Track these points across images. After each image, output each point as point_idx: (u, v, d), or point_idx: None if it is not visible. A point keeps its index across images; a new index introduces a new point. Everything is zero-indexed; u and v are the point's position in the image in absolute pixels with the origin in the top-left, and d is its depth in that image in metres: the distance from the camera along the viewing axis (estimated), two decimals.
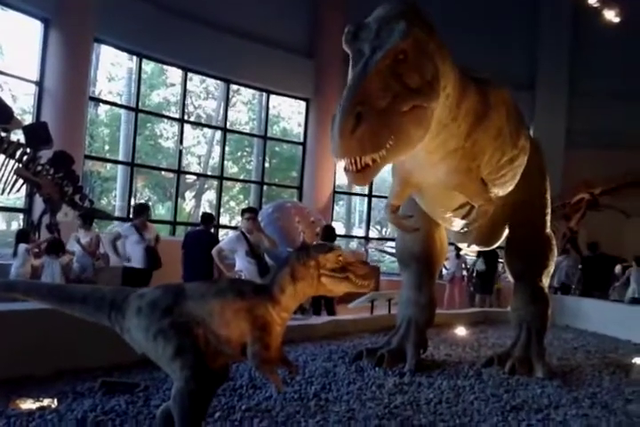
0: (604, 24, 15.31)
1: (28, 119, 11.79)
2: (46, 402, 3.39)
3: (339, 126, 2.55)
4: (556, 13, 17.66)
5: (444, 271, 11.69)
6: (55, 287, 3.49)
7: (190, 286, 3.09)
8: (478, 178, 3.92)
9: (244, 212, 7.10)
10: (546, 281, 5.27)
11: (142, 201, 15.46)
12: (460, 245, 6.18)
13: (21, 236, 7.94)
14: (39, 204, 9.72)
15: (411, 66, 2.80)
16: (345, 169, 2.71)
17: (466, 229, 4.76)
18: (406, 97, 2.75)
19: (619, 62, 16.61)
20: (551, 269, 5.33)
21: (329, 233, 8.04)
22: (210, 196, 18.95)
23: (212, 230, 8.86)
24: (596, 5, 15.22)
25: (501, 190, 4.34)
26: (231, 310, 2.88)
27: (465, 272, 12.02)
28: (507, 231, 5.22)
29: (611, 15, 15.36)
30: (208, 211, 17.90)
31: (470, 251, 8.68)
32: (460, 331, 6.71)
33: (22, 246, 7.70)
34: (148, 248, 7.61)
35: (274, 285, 2.94)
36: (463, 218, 4.32)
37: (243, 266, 6.61)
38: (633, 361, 5.43)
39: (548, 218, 5.37)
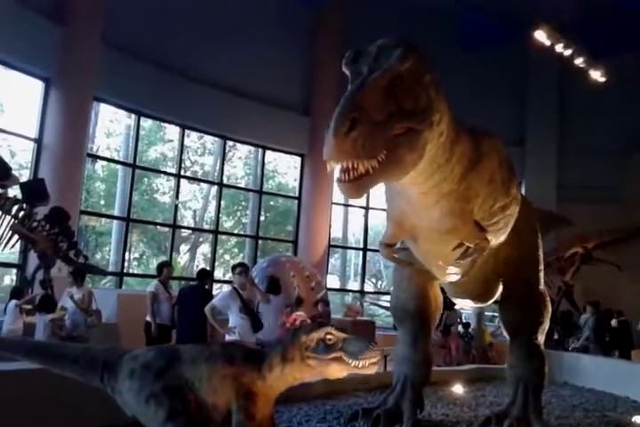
0: (591, 84, 15.85)
1: (25, 174, 11.92)
2: None
3: (333, 128, 2.58)
4: (545, 72, 18.24)
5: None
6: (43, 346, 3.46)
7: (184, 348, 3.07)
8: (471, 221, 3.95)
9: (234, 267, 7.12)
10: (541, 337, 5.24)
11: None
12: (455, 301, 6.17)
13: (15, 293, 7.91)
14: (33, 259, 9.71)
15: (406, 90, 2.89)
16: (338, 180, 2.71)
17: (460, 279, 4.73)
18: (401, 117, 2.81)
19: (606, 120, 17.07)
20: (546, 325, 5.31)
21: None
22: (204, 249, 18.93)
23: (207, 286, 8.84)
24: (582, 66, 15.79)
25: (494, 238, 4.35)
26: (218, 377, 2.85)
27: (461, 327, 11.91)
28: (501, 287, 5.23)
29: (597, 75, 15.93)
30: (202, 264, 17.88)
31: (465, 305, 8.67)
32: (457, 389, 6.62)
33: (12, 302, 7.65)
34: (174, 306, 7.73)
35: (265, 361, 2.89)
36: (459, 259, 4.26)
37: (236, 322, 6.56)
38: (632, 420, 5.35)
39: (542, 274, 5.40)
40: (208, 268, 14.21)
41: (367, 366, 2.69)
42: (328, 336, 2.75)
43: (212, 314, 6.65)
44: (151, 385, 2.89)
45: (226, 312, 6.78)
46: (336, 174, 2.73)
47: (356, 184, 2.70)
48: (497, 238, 4.38)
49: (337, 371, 2.77)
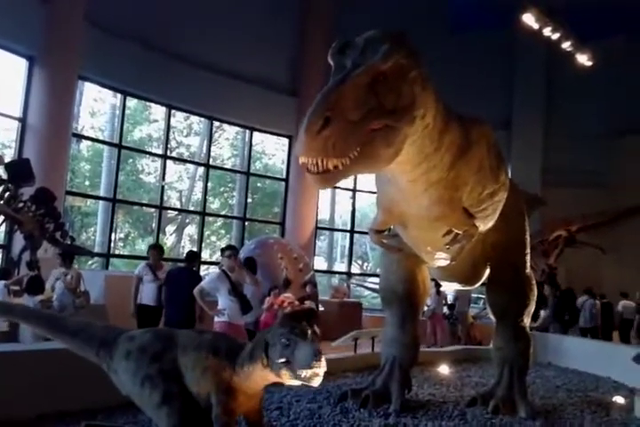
0: (578, 67, 15.90)
1: (8, 154, 11.77)
2: None
3: (305, 125, 2.59)
4: (532, 56, 18.28)
5: (425, 308, 11.72)
6: (52, 317, 3.48)
7: (181, 333, 3.09)
8: (460, 208, 3.99)
9: (224, 250, 7.09)
10: (527, 320, 5.34)
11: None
12: (442, 284, 6.24)
13: (2, 274, 7.86)
14: (19, 240, 9.65)
15: (389, 87, 2.88)
16: (307, 170, 2.73)
17: (448, 264, 4.80)
18: (379, 115, 2.81)
19: (592, 103, 17.17)
20: (532, 308, 5.41)
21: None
22: (191, 230, 18.90)
23: (195, 268, 8.85)
24: (569, 49, 15.82)
25: (482, 224, 4.40)
26: (201, 367, 2.86)
27: (446, 309, 12.07)
28: (488, 271, 5.30)
29: (583, 59, 15.98)
30: (189, 246, 17.87)
31: (451, 288, 8.78)
32: (444, 369, 6.72)
33: (0, 283, 7.62)
34: (161, 287, 7.68)
35: (240, 357, 2.88)
36: (448, 245, 4.32)
37: (225, 304, 6.58)
38: (613, 399, 5.48)
39: (528, 258, 5.47)
40: (195, 249, 14.20)
41: (310, 377, 2.62)
42: (283, 339, 2.69)
43: (201, 296, 6.65)
44: (147, 368, 2.91)
45: (214, 294, 6.81)
46: (304, 164, 2.73)
47: (325, 177, 2.72)
48: (485, 224, 4.43)
49: (286, 377, 2.71)
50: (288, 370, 2.66)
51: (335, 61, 2.99)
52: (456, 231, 4.09)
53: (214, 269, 15.85)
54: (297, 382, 2.73)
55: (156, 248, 8.39)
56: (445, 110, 3.55)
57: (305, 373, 2.60)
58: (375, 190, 4.34)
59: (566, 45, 15.92)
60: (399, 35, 3.08)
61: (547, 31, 15.52)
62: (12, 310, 3.52)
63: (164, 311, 7.59)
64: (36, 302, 7.43)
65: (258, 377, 2.81)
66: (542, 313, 11.63)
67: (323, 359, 2.63)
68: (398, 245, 4.81)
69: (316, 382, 2.65)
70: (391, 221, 4.45)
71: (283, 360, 2.67)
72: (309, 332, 2.74)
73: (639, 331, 10.98)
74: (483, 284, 5.53)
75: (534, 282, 5.54)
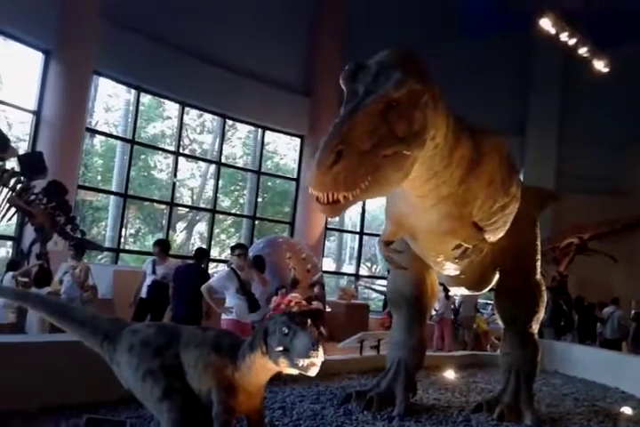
0: (594, 73, 15.76)
1: (22, 147, 11.83)
2: None
3: (317, 160, 2.60)
4: (548, 62, 18.14)
5: (433, 312, 11.65)
6: (61, 306, 3.53)
7: (185, 329, 3.07)
8: (470, 223, 3.96)
9: (234, 248, 7.07)
10: (535, 327, 5.28)
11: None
12: (450, 289, 6.20)
13: (12, 265, 7.90)
14: (30, 232, 9.68)
15: (401, 114, 2.86)
16: (317, 199, 2.73)
17: (458, 273, 4.79)
18: (390, 143, 2.79)
19: (607, 110, 17.01)
20: (541, 314, 5.35)
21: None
22: (201, 228, 18.93)
23: (203, 265, 8.86)
24: (585, 55, 15.69)
25: (492, 236, 4.38)
26: (202, 364, 2.85)
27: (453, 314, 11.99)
28: (497, 276, 5.25)
29: (600, 65, 15.84)
30: (199, 243, 17.90)
31: (459, 293, 8.71)
32: (450, 374, 6.67)
33: (9, 274, 7.65)
34: (155, 281, 7.86)
35: (239, 347, 2.88)
36: (457, 258, 4.31)
37: (233, 302, 6.57)
38: (621, 410, 5.40)
39: (539, 264, 5.41)
40: (204, 247, 14.20)
41: (307, 366, 2.62)
42: (283, 327, 2.69)
43: (209, 293, 6.65)
44: (149, 362, 2.90)
45: (223, 292, 6.80)
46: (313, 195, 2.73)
47: (334, 207, 2.72)
48: (496, 236, 4.40)
49: (284, 365, 2.71)
50: (286, 358, 2.67)
51: (347, 87, 2.97)
52: (465, 246, 4.08)
53: (223, 267, 15.91)
54: (294, 371, 2.74)
55: (158, 243, 8.46)
56: (456, 125, 3.53)
57: (302, 362, 2.61)
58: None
59: (583, 51, 15.79)
60: (411, 57, 3.06)
61: (563, 36, 15.40)
62: (26, 297, 3.61)
63: (170, 307, 7.61)
64: (44, 295, 7.45)
65: (258, 367, 2.80)
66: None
67: (320, 349, 2.64)
68: (404, 262, 4.80)
69: (313, 372, 2.66)
70: (400, 232, 4.46)
71: (281, 348, 2.68)
72: (309, 322, 2.74)
73: (634, 339, 10.82)
74: (491, 289, 5.49)
75: (544, 288, 5.48)
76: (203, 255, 8.14)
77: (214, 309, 6.79)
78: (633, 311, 11.62)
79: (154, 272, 7.91)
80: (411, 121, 2.91)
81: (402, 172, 2.95)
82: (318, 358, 2.62)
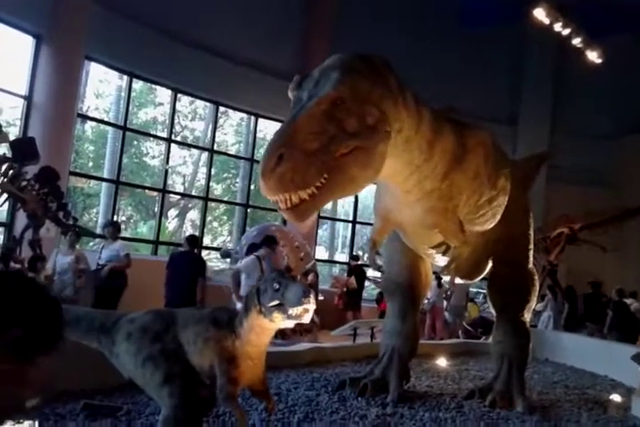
0: (587, 64, 15.79)
1: (13, 132, 11.72)
2: (26, 425, 3.33)
3: (260, 167, 2.66)
4: (541, 52, 18.14)
5: (425, 301, 11.73)
6: None
7: (180, 311, 3.09)
8: (455, 218, 3.99)
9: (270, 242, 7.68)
10: (527, 315, 5.33)
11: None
12: (443, 277, 6.25)
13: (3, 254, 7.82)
14: (22, 218, 9.62)
15: (349, 111, 2.87)
16: (279, 207, 2.77)
17: (447, 265, 4.82)
18: (343, 140, 2.80)
19: (600, 101, 17.07)
20: (533, 303, 5.41)
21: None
22: (193, 215, 18.89)
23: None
24: (579, 46, 15.70)
25: (481, 228, 4.42)
26: (202, 339, 2.87)
27: (445, 302, 12.08)
28: (490, 265, 5.29)
29: (593, 56, 15.86)
30: (191, 230, 17.87)
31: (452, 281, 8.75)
32: (442, 362, 6.72)
33: None
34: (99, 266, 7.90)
35: (237, 318, 2.92)
36: (442, 255, 4.40)
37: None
38: (610, 398, 5.48)
39: (531, 254, 5.46)
40: (197, 234, 14.19)
41: (300, 314, 2.70)
42: (274, 284, 2.77)
43: (235, 279, 6.82)
44: (148, 348, 2.91)
45: (246, 277, 6.93)
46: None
47: (297, 211, 2.75)
48: (485, 228, 4.44)
49: (278, 319, 2.77)
50: (280, 312, 2.73)
51: (293, 96, 3.02)
52: (448, 244, 4.13)
53: (216, 255, 15.92)
54: (290, 323, 2.83)
55: (110, 224, 8.66)
56: (434, 118, 3.54)
57: (295, 310, 2.69)
58: (376, 182, 4.35)
59: (576, 42, 15.79)
60: (354, 58, 3.07)
61: (557, 27, 15.38)
62: None
63: (164, 294, 7.61)
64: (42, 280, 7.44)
65: (256, 328, 2.84)
66: (545, 314, 11.64)
67: (311, 296, 2.73)
68: (390, 253, 5.05)
69: (307, 319, 2.75)
70: (388, 228, 4.53)
71: (274, 303, 2.74)
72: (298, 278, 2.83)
73: (610, 328, 10.98)
74: (483, 278, 5.53)
75: (537, 278, 5.53)
76: (196, 242, 8.16)
77: (237, 295, 6.92)
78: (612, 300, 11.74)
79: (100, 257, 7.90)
80: (362, 116, 2.91)
81: (370, 169, 2.97)
82: (310, 304, 2.70)
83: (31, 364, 1.20)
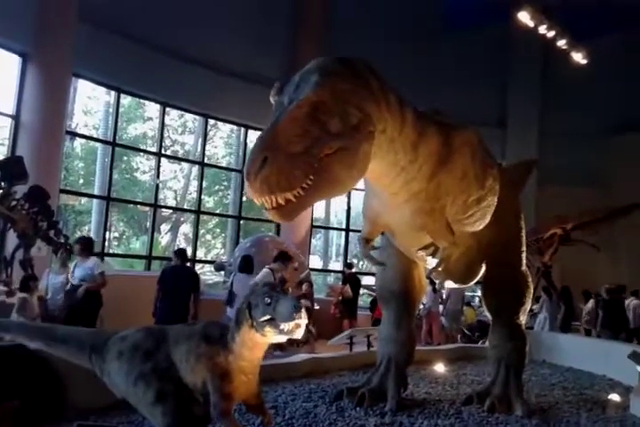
0: (574, 65, 15.92)
1: (1, 151, 11.70)
2: None
3: (245, 170, 2.68)
4: (528, 54, 18.29)
5: (421, 306, 11.71)
6: (41, 328, 3.43)
7: (171, 328, 3.06)
8: (443, 218, 4.00)
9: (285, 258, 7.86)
10: (523, 318, 5.32)
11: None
12: (437, 282, 6.24)
13: None
14: (12, 239, 9.58)
15: (330, 113, 2.88)
16: (264, 207, 2.79)
17: (439, 268, 4.81)
18: (326, 141, 2.82)
19: (588, 102, 17.19)
20: (528, 306, 5.39)
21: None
22: (186, 229, 18.85)
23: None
24: (564, 47, 15.83)
25: (471, 229, 4.42)
26: (194, 356, 2.84)
27: (441, 307, 12.07)
28: (483, 269, 5.28)
29: (579, 57, 16.00)
30: (184, 244, 17.81)
31: (446, 286, 8.75)
32: (439, 368, 6.70)
33: None
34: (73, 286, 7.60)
35: (229, 332, 2.89)
36: (432, 256, 4.38)
37: None
38: (609, 397, 5.47)
39: (524, 256, 5.46)
40: (190, 248, 14.17)
41: (292, 329, 2.67)
42: (265, 298, 2.74)
43: None
44: (139, 366, 2.88)
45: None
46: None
47: (282, 211, 2.77)
48: (475, 228, 4.43)
49: (270, 334, 2.74)
50: (271, 327, 2.70)
51: (275, 101, 3.04)
52: (435, 246, 4.13)
53: (210, 268, 15.86)
54: (282, 338, 2.79)
55: (78, 241, 8.21)
56: (418, 119, 3.56)
57: (287, 326, 2.66)
58: (364, 185, 4.36)
59: (562, 43, 15.93)
60: (333, 61, 3.09)
61: (542, 29, 15.52)
62: (8, 328, 3.45)
63: (155, 310, 7.52)
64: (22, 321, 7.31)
65: (249, 343, 2.81)
66: (540, 316, 11.62)
67: (303, 311, 2.69)
68: (390, 258, 4.96)
69: (299, 334, 2.71)
70: (377, 230, 4.55)
71: (266, 318, 2.72)
72: (289, 291, 2.80)
73: (602, 324, 11.02)
74: (477, 282, 5.52)
75: (530, 280, 5.53)
76: (186, 255, 8.11)
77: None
78: (600, 299, 11.77)
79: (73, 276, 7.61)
80: (344, 117, 2.92)
81: (354, 169, 2.98)
82: (302, 319, 2.67)
83: None
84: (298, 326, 2.69)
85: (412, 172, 3.61)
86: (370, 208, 4.31)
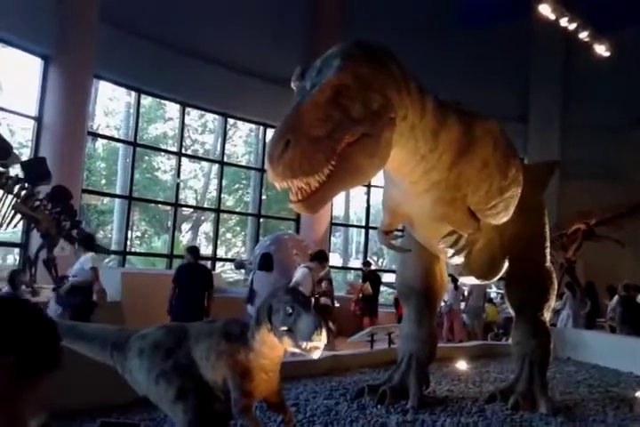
0: (596, 58, 15.65)
1: (25, 153, 11.87)
2: None
3: (268, 152, 2.66)
4: (549, 47, 18.03)
5: (442, 303, 11.63)
6: (70, 326, 3.47)
7: (192, 326, 3.07)
8: (464, 207, 3.95)
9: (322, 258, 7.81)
10: (547, 314, 5.26)
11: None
12: (460, 278, 6.18)
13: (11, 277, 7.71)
14: (36, 238, 9.70)
15: (353, 98, 2.86)
16: (290, 200, 2.76)
17: (462, 260, 4.75)
18: (349, 126, 2.80)
19: (610, 95, 16.89)
20: (552, 302, 5.32)
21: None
22: (206, 228, 18.95)
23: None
24: (586, 40, 15.57)
25: (494, 220, 4.36)
26: (215, 353, 2.84)
27: (463, 304, 11.97)
28: (506, 264, 5.22)
29: (601, 50, 15.72)
30: (205, 243, 17.92)
31: (468, 282, 8.68)
32: (462, 365, 6.64)
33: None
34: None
35: (249, 330, 2.87)
36: (452, 246, 4.32)
37: None
38: (636, 395, 5.37)
39: (548, 251, 5.39)
40: (210, 246, 14.24)
41: (309, 349, 2.61)
42: (287, 307, 2.68)
43: None
44: (161, 364, 2.89)
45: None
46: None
47: (307, 203, 2.75)
48: (498, 220, 4.38)
49: (288, 344, 2.71)
50: (290, 338, 2.67)
51: (296, 86, 3.02)
52: (458, 233, 4.08)
53: (230, 266, 15.93)
54: (298, 350, 2.76)
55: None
56: (438, 107, 3.52)
57: (305, 344, 2.61)
58: (384, 175, 4.33)
59: (583, 36, 15.67)
60: (356, 45, 3.07)
61: (563, 22, 15.28)
62: None
63: (171, 307, 7.49)
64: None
65: (268, 343, 2.80)
66: (564, 313, 11.46)
67: (323, 333, 2.63)
68: (406, 245, 4.92)
69: (316, 355, 2.67)
70: (397, 221, 4.53)
71: (285, 328, 2.68)
72: (312, 303, 2.75)
73: (621, 321, 10.91)
74: (500, 278, 5.46)
75: (554, 276, 5.45)
76: (198, 252, 8.07)
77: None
78: (617, 296, 11.59)
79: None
80: (366, 102, 2.90)
81: (376, 157, 2.96)
82: (321, 341, 2.61)
83: (28, 388, 1.19)
84: (316, 348, 2.63)
85: (432, 160, 3.57)
86: (390, 198, 4.27)
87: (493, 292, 14.16)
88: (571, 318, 11.36)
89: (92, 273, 7.12)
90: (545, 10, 14.83)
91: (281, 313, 2.70)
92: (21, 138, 13.34)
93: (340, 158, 2.75)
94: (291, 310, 2.67)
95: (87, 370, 4.01)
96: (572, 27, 15.41)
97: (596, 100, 17.14)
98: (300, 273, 7.36)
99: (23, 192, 8.97)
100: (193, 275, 7.43)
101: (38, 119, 11.52)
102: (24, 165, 9.32)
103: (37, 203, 9.10)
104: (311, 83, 2.88)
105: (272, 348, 2.82)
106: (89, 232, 9.21)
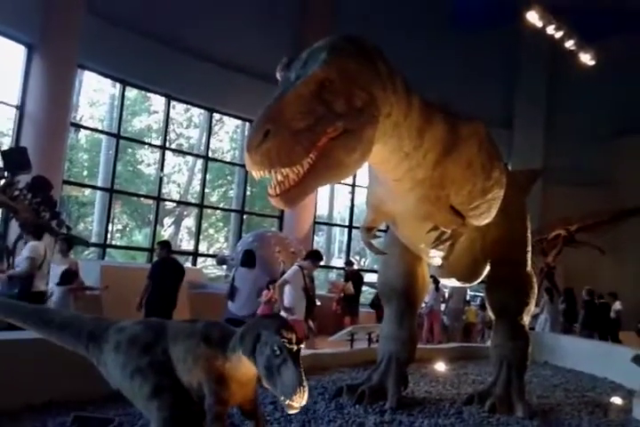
0: (581, 67, 15.83)
1: (6, 142, 11.67)
2: None
3: (246, 141, 2.63)
4: (535, 55, 18.19)
5: (423, 305, 11.65)
6: (36, 311, 3.33)
7: (171, 324, 3.00)
8: (447, 207, 3.95)
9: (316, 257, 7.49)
10: (526, 318, 5.28)
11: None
12: (441, 280, 6.19)
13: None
14: (14, 228, 9.55)
15: (336, 93, 2.83)
16: (268, 194, 2.74)
17: (447, 263, 4.74)
18: (330, 120, 2.76)
19: (594, 103, 17.10)
20: (532, 306, 5.35)
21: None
22: (189, 223, 18.82)
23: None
24: (572, 48, 15.74)
25: (477, 222, 4.35)
26: (192, 356, 2.76)
27: (443, 306, 12.02)
28: (488, 268, 5.23)
29: (586, 58, 15.91)
30: (187, 238, 17.80)
31: (449, 284, 8.71)
32: (440, 366, 6.65)
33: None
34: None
35: (232, 342, 2.78)
36: (434, 245, 4.29)
37: (295, 301, 6.76)
38: (611, 400, 5.42)
39: (529, 256, 5.41)
40: (193, 242, 14.15)
41: (288, 405, 2.48)
42: (275, 347, 2.54)
43: (281, 289, 6.88)
44: (137, 360, 2.82)
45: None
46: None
47: (285, 196, 2.72)
48: (480, 221, 4.37)
49: (265, 384, 2.60)
50: (269, 384, 2.55)
51: (281, 77, 2.98)
52: (442, 229, 4.07)
53: (212, 262, 15.84)
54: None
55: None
56: (424, 106, 3.50)
57: (283, 399, 2.48)
58: (368, 172, 4.32)
59: (569, 44, 15.83)
60: (344, 40, 3.04)
61: (550, 29, 15.42)
62: None
63: (144, 302, 7.42)
64: (13, 300, 7.22)
65: (246, 364, 2.71)
66: (541, 317, 11.57)
67: (306, 391, 2.48)
68: (389, 245, 4.97)
69: (292, 412, 2.54)
70: (380, 219, 4.51)
71: (265, 372, 2.56)
72: (300, 351, 2.62)
73: (583, 326, 11.21)
74: (481, 281, 5.47)
75: (535, 280, 5.48)
76: (170, 246, 8.01)
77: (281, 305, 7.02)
78: (582, 300, 11.81)
79: None
80: (350, 98, 2.87)
81: (357, 153, 2.91)
82: (302, 400, 2.46)
83: None
84: (292, 407, 2.48)
85: (416, 158, 3.55)
86: (374, 195, 4.26)
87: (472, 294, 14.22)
88: (548, 322, 11.46)
89: (25, 263, 6.66)
90: (532, 17, 14.97)
91: (267, 350, 2.57)
92: (2, 127, 13.11)
93: (321, 153, 2.73)
94: (279, 353, 2.54)
95: (62, 362, 3.95)
96: (559, 35, 15.58)
97: (580, 108, 17.36)
98: (290, 271, 7.35)
99: (2, 181, 8.83)
100: (166, 270, 7.41)
101: (20, 108, 11.35)
102: (4, 154, 9.18)
103: (17, 192, 8.97)
104: (296, 74, 2.85)
105: (249, 368, 2.73)
106: (45, 221, 8.99)
